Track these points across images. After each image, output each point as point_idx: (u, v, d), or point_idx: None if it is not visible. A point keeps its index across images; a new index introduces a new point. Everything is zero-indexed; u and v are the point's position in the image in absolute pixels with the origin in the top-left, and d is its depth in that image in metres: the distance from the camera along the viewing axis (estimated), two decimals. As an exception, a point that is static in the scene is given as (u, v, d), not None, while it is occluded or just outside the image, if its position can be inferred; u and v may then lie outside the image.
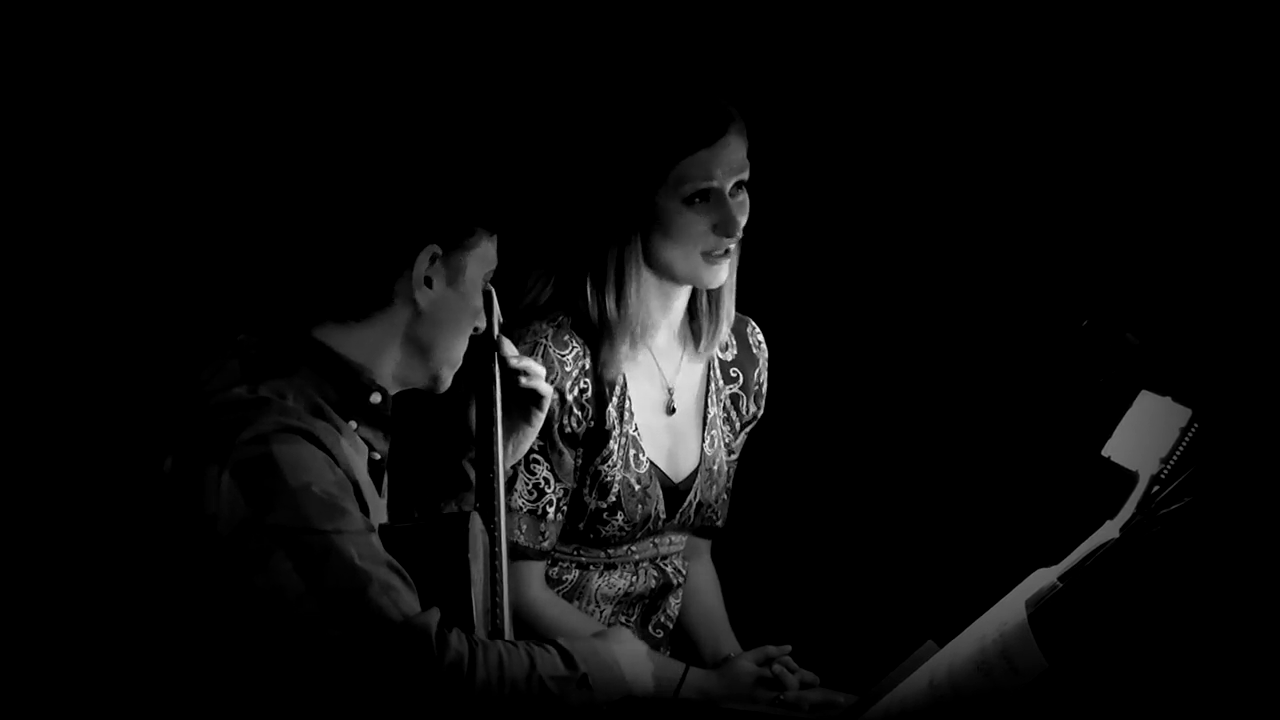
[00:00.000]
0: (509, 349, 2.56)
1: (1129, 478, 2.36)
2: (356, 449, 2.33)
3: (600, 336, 2.76)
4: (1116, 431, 2.39)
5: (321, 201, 2.34)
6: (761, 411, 2.99)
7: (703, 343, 2.86)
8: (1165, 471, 2.34)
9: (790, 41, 3.57)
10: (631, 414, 2.80)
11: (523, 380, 2.56)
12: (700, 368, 2.90)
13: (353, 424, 2.33)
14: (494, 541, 2.44)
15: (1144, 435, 2.36)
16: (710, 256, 2.72)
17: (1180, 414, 2.35)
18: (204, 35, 3.32)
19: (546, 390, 2.59)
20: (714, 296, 2.83)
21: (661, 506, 2.81)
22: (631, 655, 2.38)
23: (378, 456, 2.37)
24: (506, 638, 2.39)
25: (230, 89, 3.34)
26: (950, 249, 3.63)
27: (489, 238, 2.40)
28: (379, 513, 2.36)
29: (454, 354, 2.41)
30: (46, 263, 3.30)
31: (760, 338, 2.99)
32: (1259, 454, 3.05)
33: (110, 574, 2.29)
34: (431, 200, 2.34)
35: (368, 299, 2.32)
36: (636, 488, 2.78)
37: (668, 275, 2.74)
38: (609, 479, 2.76)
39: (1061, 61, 3.48)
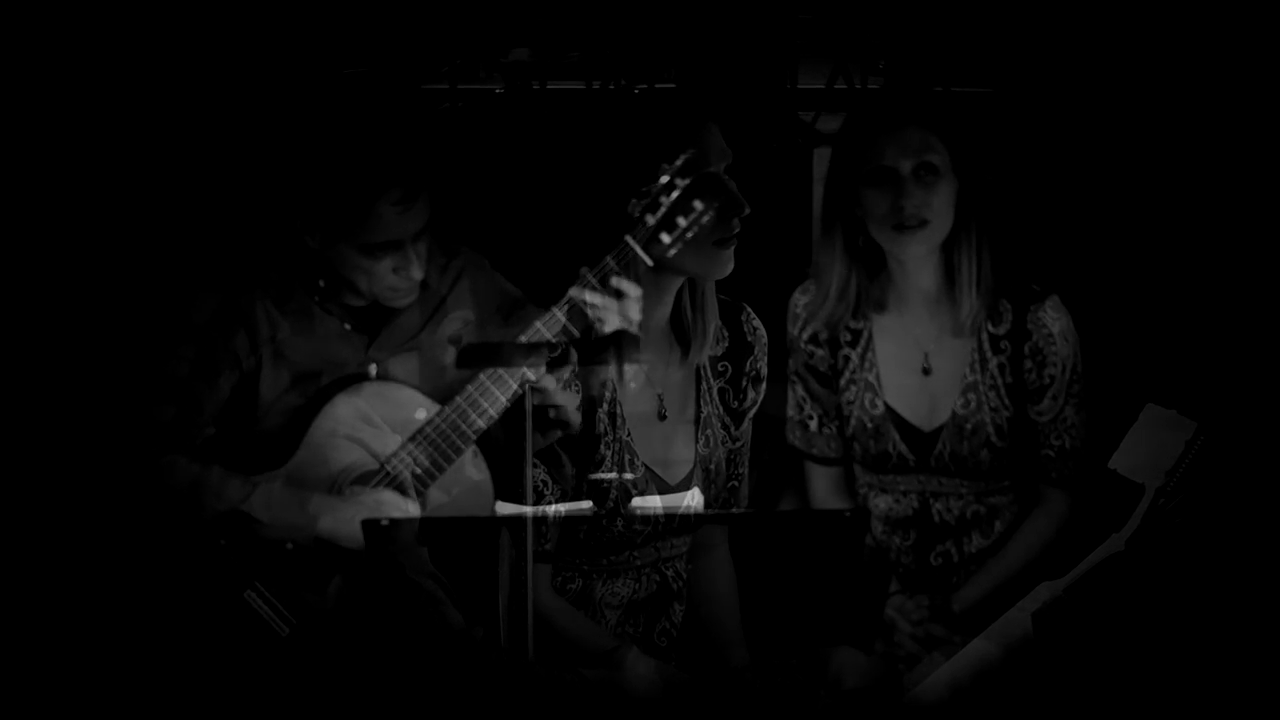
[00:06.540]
0: (550, 383, 2.61)
1: (1135, 491, 2.36)
2: None
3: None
4: (1123, 444, 2.39)
5: None
6: (761, 396, 2.97)
7: (691, 350, 2.85)
8: (1171, 485, 2.34)
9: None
10: (624, 419, 2.81)
11: (551, 413, 2.63)
12: (688, 368, 2.90)
13: None
14: (521, 555, 2.46)
15: (1150, 448, 2.36)
16: (722, 243, 2.71)
17: (1186, 427, 2.35)
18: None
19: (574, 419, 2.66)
20: (699, 300, 2.83)
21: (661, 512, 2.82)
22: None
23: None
24: (529, 645, 2.44)
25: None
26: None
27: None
28: None
29: None
30: (56, 272, 3.30)
31: (756, 323, 2.96)
32: (1264, 466, 3.05)
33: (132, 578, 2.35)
34: None
35: None
36: (634, 492, 2.79)
37: (675, 267, 2.72)
38: (605, 485, 2.77)
39: (1065, 61, 3.48)
